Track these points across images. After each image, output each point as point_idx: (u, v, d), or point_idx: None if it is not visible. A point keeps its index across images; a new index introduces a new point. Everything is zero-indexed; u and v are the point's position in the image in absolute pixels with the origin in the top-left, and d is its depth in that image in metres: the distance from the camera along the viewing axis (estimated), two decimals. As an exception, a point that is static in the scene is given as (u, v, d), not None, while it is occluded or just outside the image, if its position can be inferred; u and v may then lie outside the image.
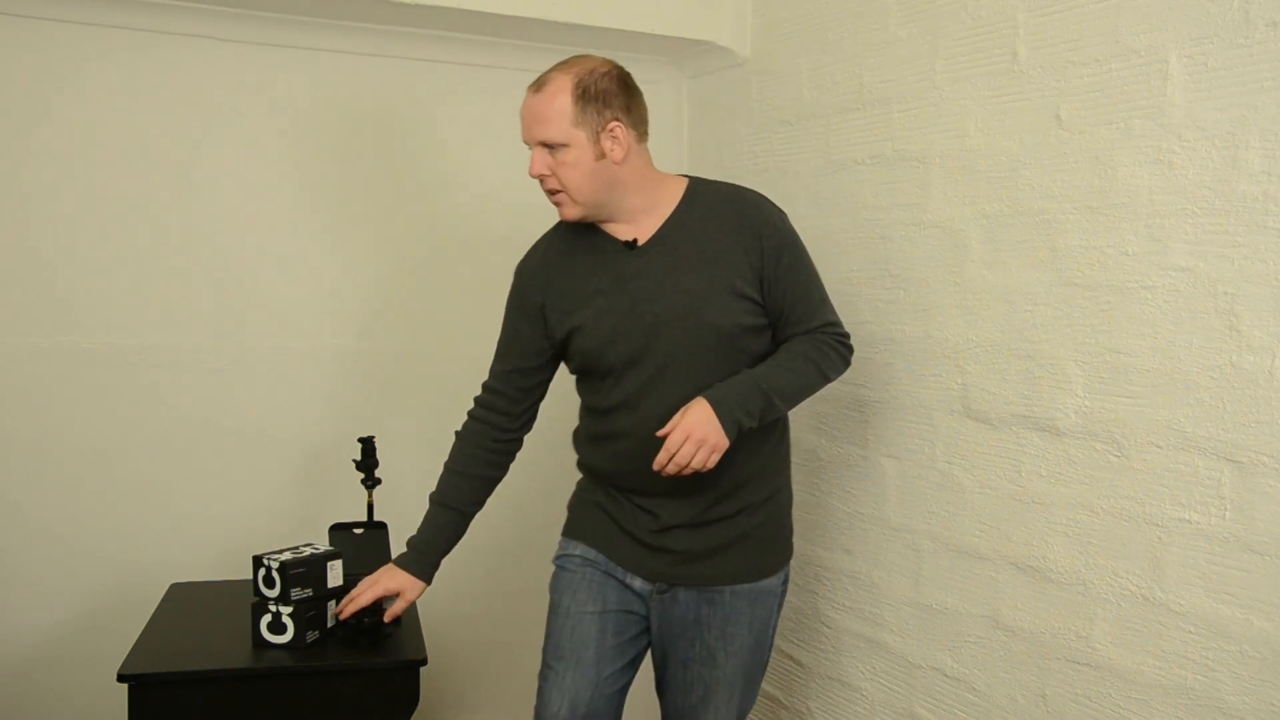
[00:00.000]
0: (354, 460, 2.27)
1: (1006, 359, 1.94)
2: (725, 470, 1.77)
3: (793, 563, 2.51)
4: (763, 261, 1.79)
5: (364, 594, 1.89)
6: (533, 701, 1.91)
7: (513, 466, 2.01)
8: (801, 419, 2.47)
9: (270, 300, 2.55)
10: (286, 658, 1.86)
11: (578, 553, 1.92)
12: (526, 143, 1.79)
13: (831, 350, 1.84)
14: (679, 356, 1.78)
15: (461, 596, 2.69)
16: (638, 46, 2.71)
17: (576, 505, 1.99)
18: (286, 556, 1.89)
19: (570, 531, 1.97)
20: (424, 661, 1.89)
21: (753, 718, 2.70)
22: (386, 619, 1.91)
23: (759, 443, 1.84)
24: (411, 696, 1.90)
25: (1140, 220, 1.69)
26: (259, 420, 2.55)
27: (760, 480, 1.87)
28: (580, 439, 1.96)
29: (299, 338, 2.58)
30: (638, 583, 1.88)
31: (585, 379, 1.90)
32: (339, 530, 2.19)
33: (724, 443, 1.69)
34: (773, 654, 2.60)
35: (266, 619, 1.89)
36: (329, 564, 1.94)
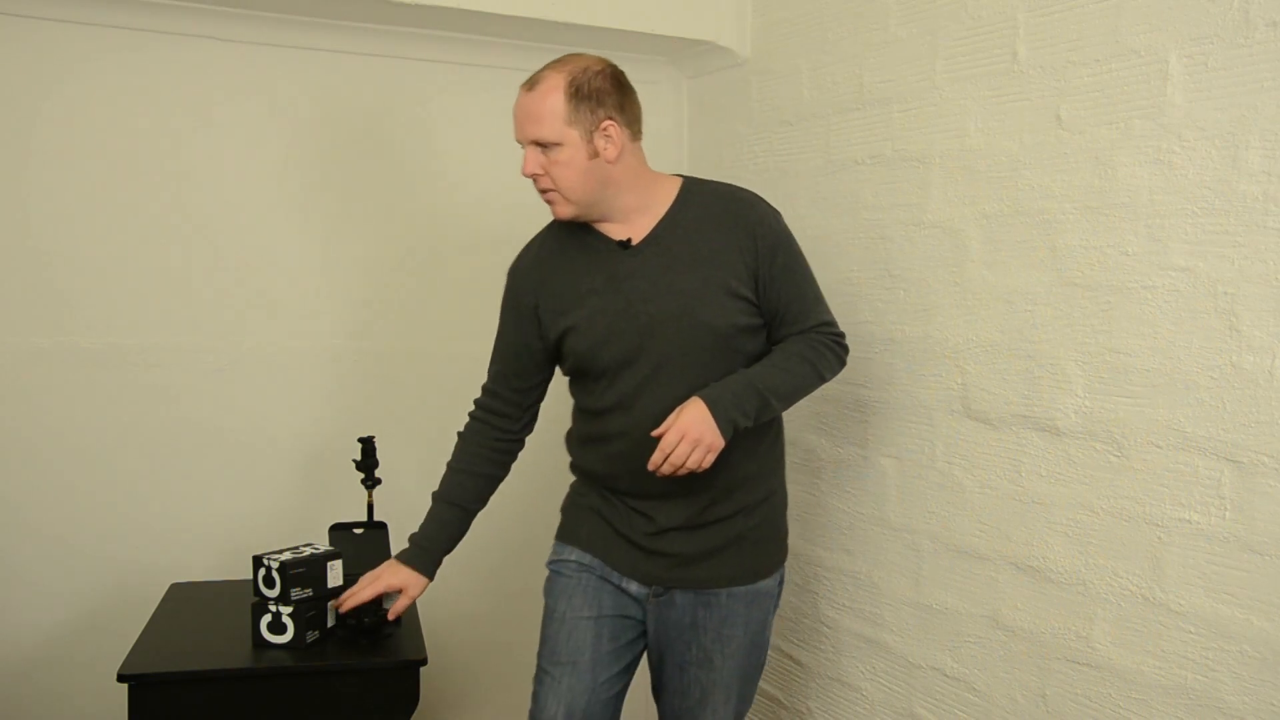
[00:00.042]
0: (354, 460, 2.27)
1: (1006, 359, 1.94)
2: (721, 471, 1.77)
3: (793, 563, 2.52)
4: (757, 261, 1.78)
5: (365, 589, 1.88)
6: (532, 702, 1.91)
7: (513, 467, 2.00)
8: (801, 419, 2.47)
9: (270, 300, 2.55)
10: (286, 658, 1.86)
11: (573, 558, 1.91)
12: (519, 141, 1.77)
13: (827, 350, 1.83)
14: (674, 357, 1.77)
15: (462, 596, 2.69)
16: (638, 46, 2.71)
17: (570, 508, 1.97)
18: (286, 556, 1.89)
19: (564, 536, 1.95)
20: (424, 661, 1.89)
21: (753, 717, 2.70)
22: (390, 616, 1.91)
23: (754, 443, 1.83)
24: (411, 696, 1.90)
25: (1140, 220, 1.69)
26: (259, 420, 2.55)
27: (756, 481, 1.87)
28: (573, 441, 1.95)
29: (299, 338, 2.58)
30: (634, 586, 1.87)
31: (579, 380, 1.89)
32: (339, 530, 2.19)
33: (719, 443, 1.68)
34: (773, 654, 2.60)
35: (266, 619, 1.89)
36: (329, 564, 1.94)
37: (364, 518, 2.27)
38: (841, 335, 1.88)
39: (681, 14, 2.59)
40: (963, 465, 2.05)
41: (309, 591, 1.90)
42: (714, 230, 1.79)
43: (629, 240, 1.81)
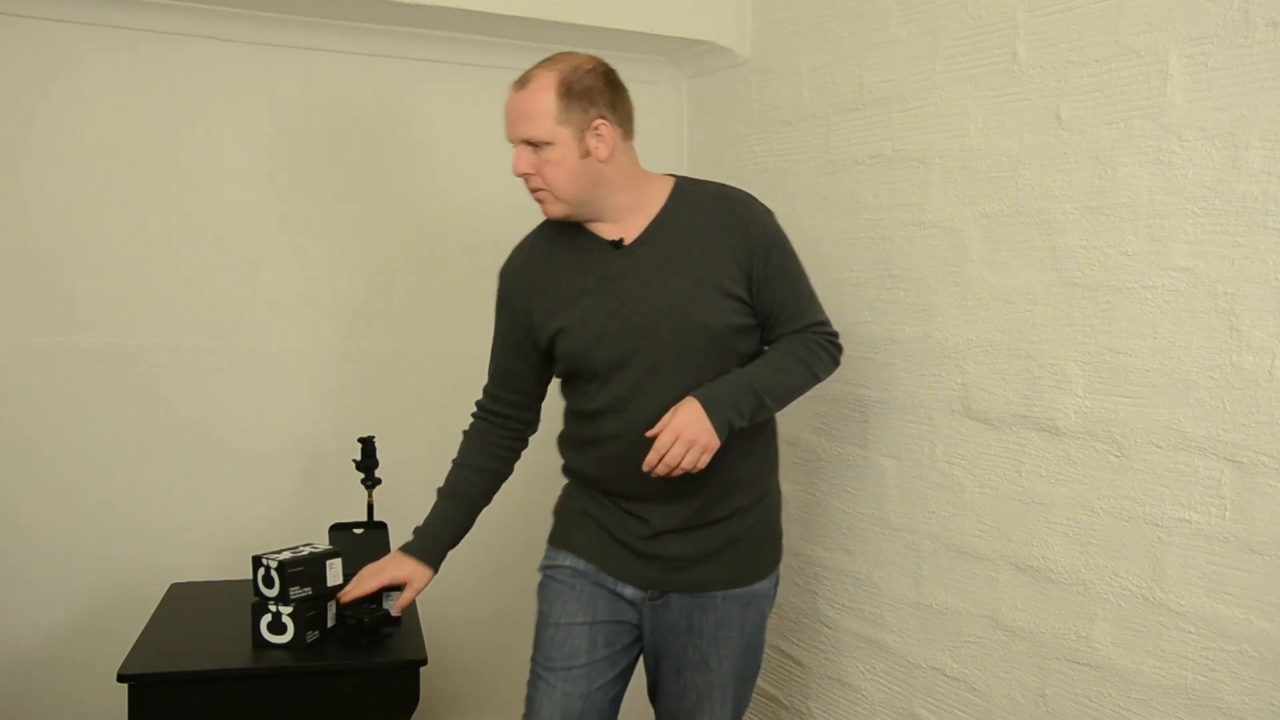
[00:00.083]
0: (354, 460, 2.27)
1: (1006, 359, 1.94)
2: (716, 471, 1.75)
3: (793, 563, 2.52)
4: (751, 261, 1.77)
5: (369, 581, 1.86)
6: (533, 702, 1.90)
7: (516, 466, 2.00)
8: (801, 419, 2.47)
9: (270, 300, 2.55)
10: (286, 658, 1.86)
11: (567, 563, 1.88)
12: (510, 140, 1.76)
13: (821, 350, 1.82)
14: (667, 358, 1.75)
15: (462, 597, 2.69)
16: (638, 46, 2.71)
17: (563, 512, 1.95)
18: (285, 556, 1.89)
19: (558, 540, 1.93)
20: (424, 661, 1.89)
21: (753, 718, 2.70)
22: (395, 612, 1.89)
23: (749, 444, 1.82)
24: (411, 696, 1.89)
25: (1140, 220, 1.69)
26: (259, 420, 2.55)
27: (752, 482, 1.85)
28: (565, 443, 1.93)
29: (299, 338, 2.58)
30: (629, 591, 1.85)
31: (571, 382, 1.87)
32: (339, 530, 2.19)
33: (715, 443, 1.67)
34: (773, 654, 2.60)
35: (266, 619, 1.89)
36: (328, 563, 1.94)
37: (364, 518, 2.27)
38: (835, 335, 1.87)
39: (681, 14, 2.59)
40: (963, 465, 2.04)
41: (308, 591, 1.90)
42: (707, 230, 1.78)
43: (621, 240, 1.80)
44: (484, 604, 2.79)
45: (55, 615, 2.40)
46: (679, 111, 2.94)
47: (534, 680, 1.87)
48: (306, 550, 1.94)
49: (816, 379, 1.83)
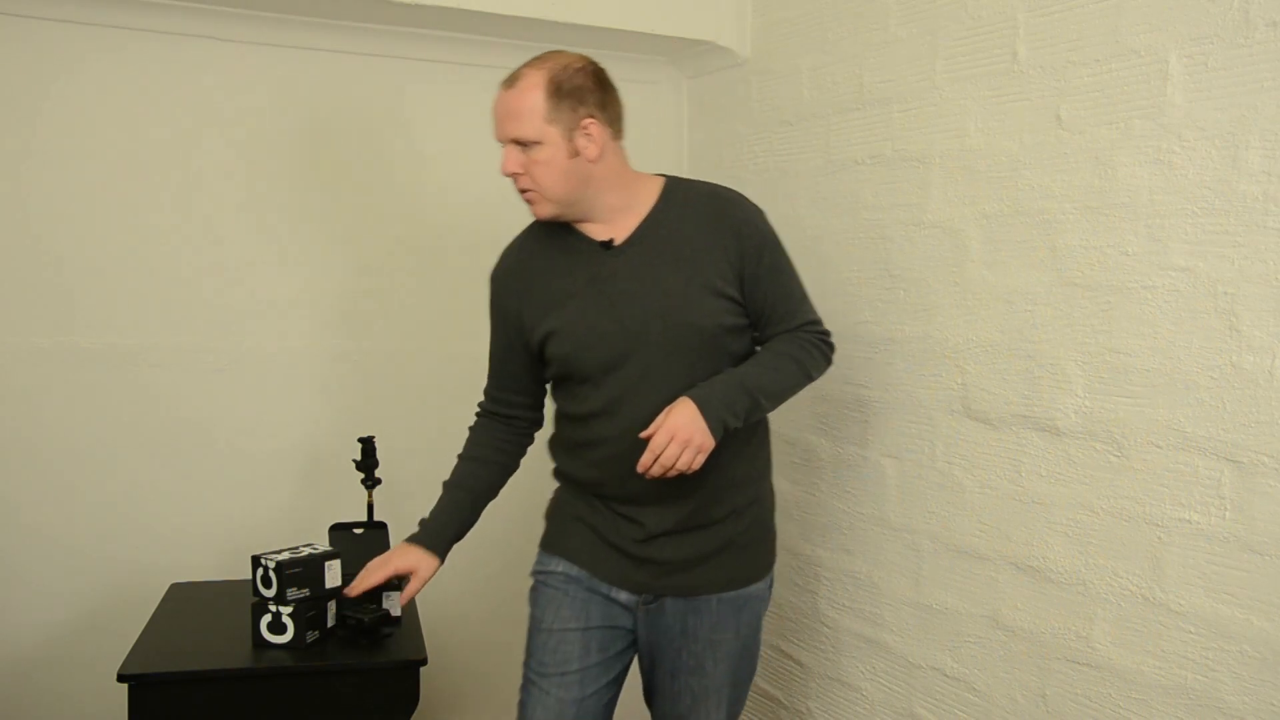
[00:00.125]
0: (354, 460, 2.27)
1: (1006, 359, 1.94)
2: (710, 472, 1.73)
3: (793, 563, 2.52)
4: (743, 261, 1.76)
5: (375, 573, 1.82)
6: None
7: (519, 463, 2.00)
8: (801, 419, 2.47)
9: (270, 300, 2.55)
10: (286, 658, 1.86)
11: (559, 569, 1.86)
12: (499, 140, 1.74)
13: (814, 349, 1.81)
14: (659, 359, 1.73)
15: (462, 597, 2.70)
16: (638, 46, 2.71)
17: (555, 516, 1.93)
18: (284, 556, 1.89)
19: (550, 546, 1.90)
20: (424, 661, 1.89)
21: (754, 718, 2.70)
22: (402, 601, 1.85)
23: (742, 444, 1.80)
24: (411, 696, 1.90)
25: (1140, 220, 1.69)
26: (259, 420, 2.55)
27: (746, 483, 1.84)
28: (557, 447, 1.91)
29: (299, 338, 2.58)
30: (623, 595, 1.83)
31: (562, 385, 1.85)
32: (339, 530, 2.19)
33: (710, 443, 1.65)
34: (773, 654, 2.61)
35: (266, 619, 1.89)
36: (326, 564, 1.94)
37: (364, 518, 2.27)
38: (827, 334, 1.86)
39: (681, 14, 2.59)
40: (963, 465, 2.04)
41: (306, 592, 1.90)
42: (698, 230, 1.77)
43: (611, 241, 1.78)
44: (484, 604, 2.79)
45: (55, 615, 2.40)
46: (679, 111, 2.94)
47: (526, 686, 1.85)
48: (306, 551, 1.94)
49: (810, 378, 1.82)
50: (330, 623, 1.96)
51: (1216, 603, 1.60)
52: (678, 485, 1.73)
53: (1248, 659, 1.56)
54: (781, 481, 2.53)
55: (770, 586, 1.92)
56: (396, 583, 1.88)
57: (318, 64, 2.54)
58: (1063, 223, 1.82)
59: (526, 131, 1.69)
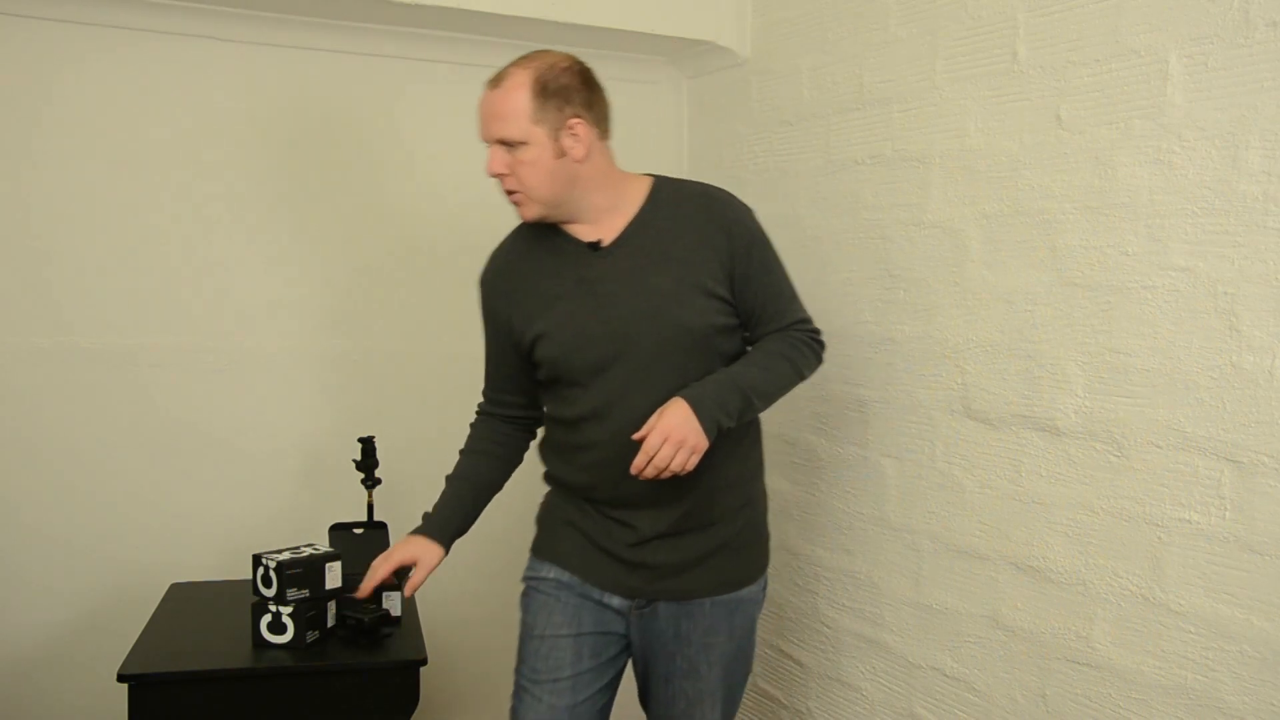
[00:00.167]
0: (354, 460, 2.27)
1: (1006, 359, 1.94)
2: (703, 474, 1.72)
3: (793, 563, 2.52)
4: (733, 260, 1.74)
5: (380, 569, 1.78)
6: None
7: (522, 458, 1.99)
8: (801, 419, 2.47)
9: (270, 300, 2.55)
10: (286, 658, 1.86)
11: (550, 575, 1.83)
12: (484, 140, 1.72)
13: (806, 348, 1.80)
14: (649, 360, 1.71)
15: (462, 597, 2.70)
16: (638, 46, 2.71)
17: (545, 521, 1.91)
18: (284, 556, 1.90)
19: (541, 551, 1.88)
20: (424, 661, 1.89)
21: (754, 718, 2.70)
22: (407, 592, 1.82)
23: (734, 445, 1.79)
24: (411, 696, 1.90)
25: (1140, 220, 1.69)
26: (259, 420, 2.55)
27: (739, 484, 1.83)
28: (547, 450, 1.89)
29: (299, 338, 2.58)
30: (616, 601, 1.81)
31: (552, 388, 1.83)
32: (339, 530, 2.19)
33: (703, 443, 1.64)
34: (773, 654, 2.61)
35: (266, 619, 1.89)
36: (327, 565, 1.94)
37: (364, 518, 2.27)
38: (818, 332, 1.85)
39: (681, 14, 2.59)
40: (963, 465, 2.04)
41: (305, 592, 1.90)
42: (687, 229, 1.75)
43: (599, 242, 1.76)
44: (484, 604, 2.79)
45: (55, 615, 2.40)
46: (679, 111, 2.94)
47: (518, 693, 1.83)
48: (307, 552, 1.94)
49: (802, 377, 1.81)
50: (330, 623, 1.96)
51: (1216, 603, 1.61)
52: (671, 488, 1.72)
53: (1248, 659, 1.56)
54: (782, 481, 2.53)
55: (764, 589, 1.90)
56: (396, 582, 1.87)
57: (317, 64, 2.54)
58: (1063, 223, 1.82)
59: (512, 132, 1.68)
